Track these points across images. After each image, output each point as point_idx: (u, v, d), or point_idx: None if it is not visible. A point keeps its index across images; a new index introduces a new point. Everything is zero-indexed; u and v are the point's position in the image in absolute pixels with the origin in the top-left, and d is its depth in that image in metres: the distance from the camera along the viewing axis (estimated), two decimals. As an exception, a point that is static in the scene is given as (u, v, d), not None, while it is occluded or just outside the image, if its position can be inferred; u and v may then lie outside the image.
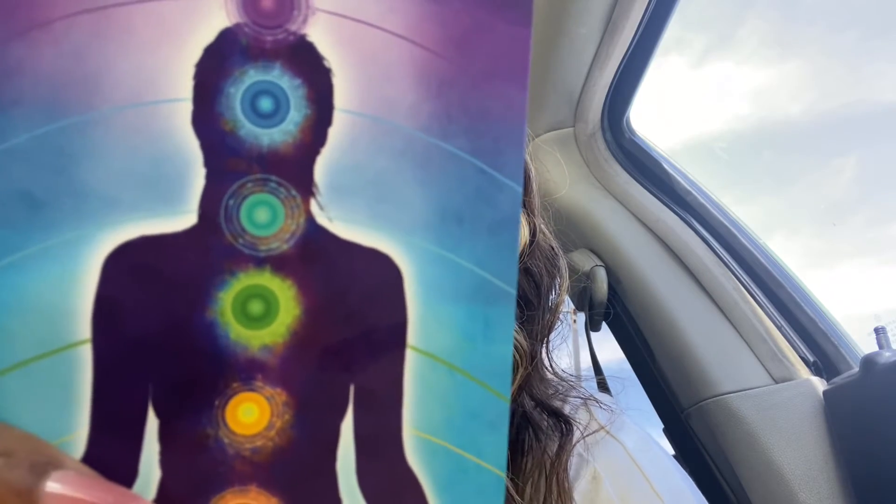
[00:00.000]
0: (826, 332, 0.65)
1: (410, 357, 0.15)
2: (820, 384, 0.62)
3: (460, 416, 0.15)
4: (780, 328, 0.65)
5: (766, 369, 0.64)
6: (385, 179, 0.15)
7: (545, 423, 0.38)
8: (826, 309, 0.68)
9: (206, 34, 0.14)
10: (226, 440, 0.14)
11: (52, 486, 0.12)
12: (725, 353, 0.65)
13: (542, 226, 0.42)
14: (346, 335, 0.15)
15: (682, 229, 0.70)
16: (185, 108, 0.14)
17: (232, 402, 0.14)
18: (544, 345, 0.40)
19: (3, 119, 0.13)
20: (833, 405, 0.59)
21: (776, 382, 0.63)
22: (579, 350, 0.79)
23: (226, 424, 0.14)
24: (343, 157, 0.14)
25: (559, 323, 0.43)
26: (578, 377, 0.44)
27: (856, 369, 0.58)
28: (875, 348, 0.62)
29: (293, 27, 0.14)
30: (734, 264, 0.69)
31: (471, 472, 0.15)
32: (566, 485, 0.34)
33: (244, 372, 0.14)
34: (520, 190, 0.15)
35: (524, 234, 0.36)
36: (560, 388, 0.41)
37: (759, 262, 0.68)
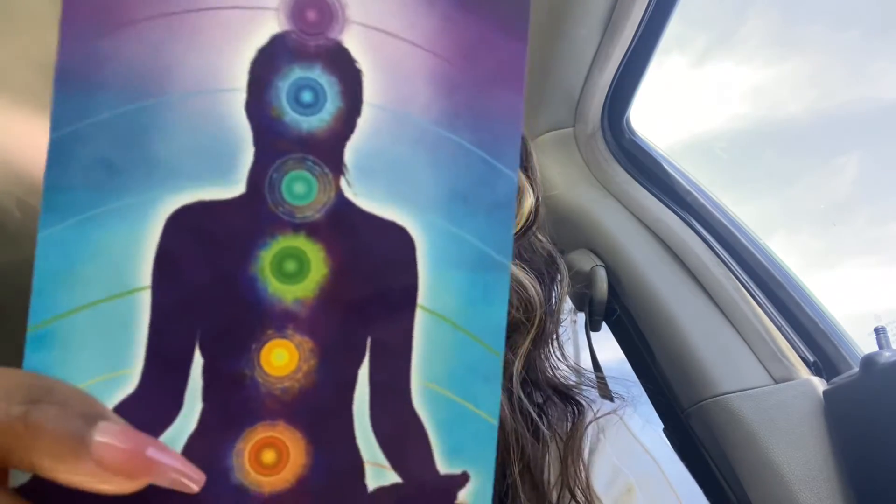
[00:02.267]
0: (826, 332, 0.65)
1: (419, 315, 0.17)
2: (820, 384, 0.62)
3: (460, 368, 0.17)
4: (780, 328, 0.66)
5: (766, 369, 0.64)
6: (403, 163, 0.17)
7: (559, 408, 0.40)
8: (826, 309, 0.68)
9: (261, 37, 0.17)
10: (260, 380, 0.17)
11: (101, 436, 0.14)
12: (725, 353, 0.66)
13: (539, 234, 0.43)
14: (366, 293, 0.17)
15: (682, 229, 0.70)
16: (240, 97, 0.17)
17: (266, 347, 0.17)
18: (552, 342, 0.42)
19: (91, 99, 0.16)
20: (833, 405, 0.59)
21: (776, 382, 0.63)
22: (579, 350, 0.79)
23: (260, 366, 0.17)
24: (368, 143, 0.17)
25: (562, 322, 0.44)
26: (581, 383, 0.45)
27: (856, 369, 0.58)
28: (875, 348, 0.62)
29: (332, 35, 0.17)
30: (734, 264, 0.69)
31: (468, 418, 0.17)
32: (582, 465, 0.36)
33: (278, 321, 0.17)
34: (515, 178, 0.18)
35: (529, 197, 0.38)
36: (573, 379, 0.43)
37: (759, 262, 0.69)
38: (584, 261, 0.76)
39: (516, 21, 0.18)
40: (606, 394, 0.46)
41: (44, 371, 0.16)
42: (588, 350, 0.78)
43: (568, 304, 0.80)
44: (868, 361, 0.55)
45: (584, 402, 0.40)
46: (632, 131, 0.75)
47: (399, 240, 0.17)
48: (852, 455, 0.57)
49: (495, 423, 0.17)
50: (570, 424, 0.38)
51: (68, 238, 0.16)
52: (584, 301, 0.77)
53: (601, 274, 0.74)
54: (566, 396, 0.40)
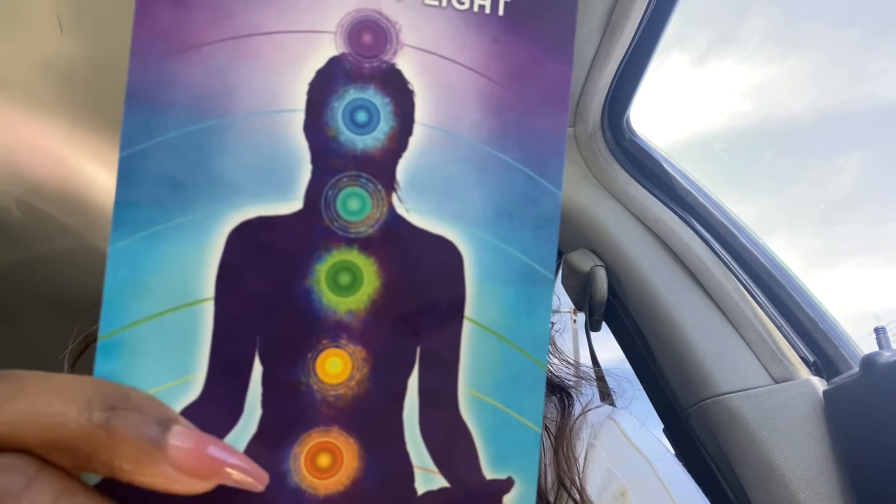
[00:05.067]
0: (826, 332, 0.65)
1: (467, 327, 0.18)
2: (820, 384, 0.62)
3: (505, 378, 0.18)
4: (780, 328, 0.66)
5: (766, 369, 0.64)
6: (452, 180, 0.18)
7: (552, 403, 0.41)
8: (826, 309, 0.68)
9: (319, 60, 0.18)
10: (315, 387, 0.17)
11: (176, 440, 0.15)
12: (725, 353, 0.66)
13: None
14: (416, 305, 0.18)
15: (682, 229, 0.70)
16: (299, 117, 0.17)
17: (322, 356, 0.17)
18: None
19: (159, 118, 0.17)
20: (833, 405, 0.59)
21: (776, 382, 0.63)
22: (579, 350, 0.79)
23: (315, 374, 0.17)
24: (419, 161, 0.18)
25: (559, 324, 0.44)
26: (579, 376, 0.45)
27: (856, 369, 0.58)
28: (875, 348, 0.62)
29: (386, 57, 0.18)
30: (734, 264, 0.69)
31: (513, 426, 0.18)
32: (573, 457, 0.36)
33: (332, 331, 0.18)
34: (560, 195, 0.19)
35: None
36: (569, 374, 0.43)
37: (759, 262, 0.69)
38: (584, 261, 0.76)
39: (562, 45, 0.19)
40: (605, 392, 0.46)
41: (113, 379, 0.16)
42: (588, 350, 0.78)
43: (568, 303, 0.80)
44: (868, 361, 0.55)
45: (573, 394, 0.40)
46: (632, 131, 0.75)
47: (448, 254, 0.18)
48: (852, 455, 0.57)
49: (539, 430, 0.18)
50: (560, 417, 0.38)
51: (136, 252, 0.17)
52: (584, 301, 0.77)
53: (601, 274, 0.74)
54: (557, 387, 0.40)
